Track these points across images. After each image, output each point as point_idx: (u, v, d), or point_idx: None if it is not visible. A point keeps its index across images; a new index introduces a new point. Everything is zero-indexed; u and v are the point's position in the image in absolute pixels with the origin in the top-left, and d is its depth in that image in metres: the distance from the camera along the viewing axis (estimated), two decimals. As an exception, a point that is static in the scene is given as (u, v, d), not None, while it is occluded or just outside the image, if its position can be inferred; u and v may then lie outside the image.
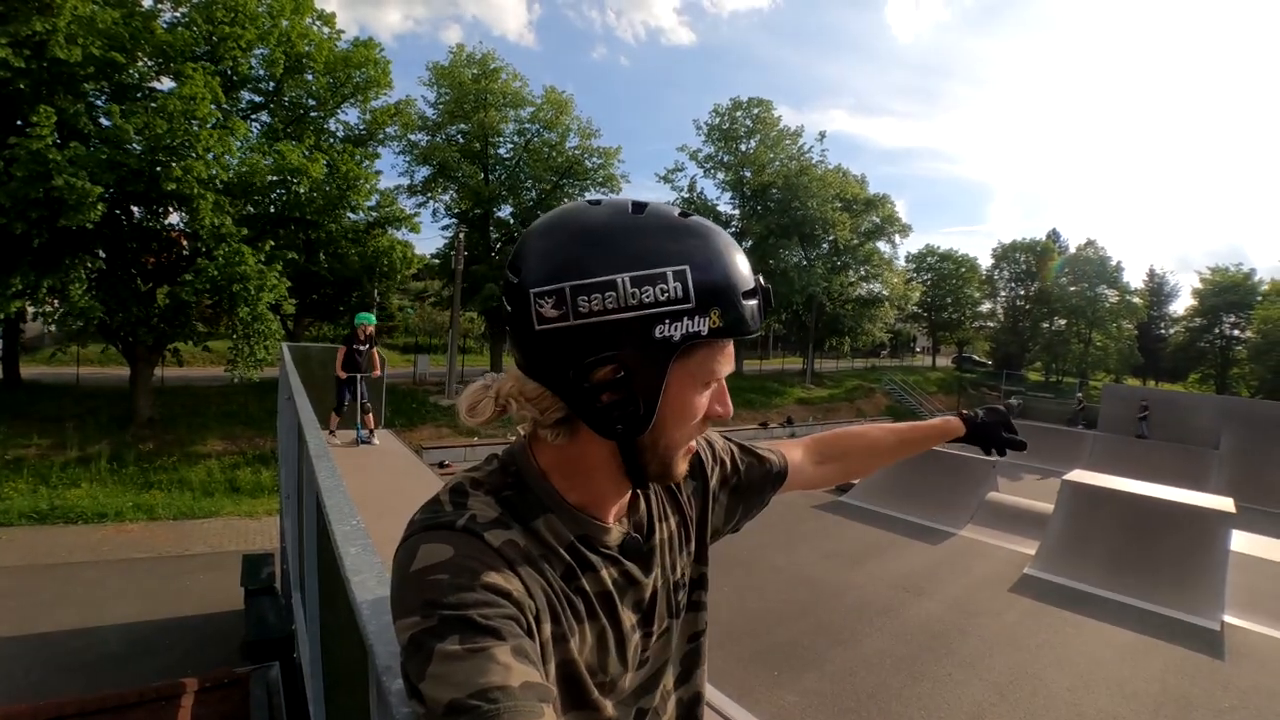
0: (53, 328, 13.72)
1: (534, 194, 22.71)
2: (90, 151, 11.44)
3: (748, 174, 30.28)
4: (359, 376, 6.86)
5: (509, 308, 0.61)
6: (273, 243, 14.31)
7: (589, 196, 0.83)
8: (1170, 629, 5.91)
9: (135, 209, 13.87)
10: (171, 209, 13.76)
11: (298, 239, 16.03)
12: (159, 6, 13.56)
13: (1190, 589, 6.35)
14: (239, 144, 13.78)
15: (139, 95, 13.10)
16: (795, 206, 28.53)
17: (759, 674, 4.90)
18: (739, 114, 30.05)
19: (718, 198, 31.28)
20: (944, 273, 42.33)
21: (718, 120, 30.31)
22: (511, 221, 22.72)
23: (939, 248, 43.35)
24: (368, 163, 16.53)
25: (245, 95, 15.67)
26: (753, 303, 0.61)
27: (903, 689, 4.78)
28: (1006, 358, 41.28)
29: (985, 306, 44.51)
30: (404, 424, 16.13)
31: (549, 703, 0.48)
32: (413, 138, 21.34)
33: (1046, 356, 41.11)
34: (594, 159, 22.97)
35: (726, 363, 0.64)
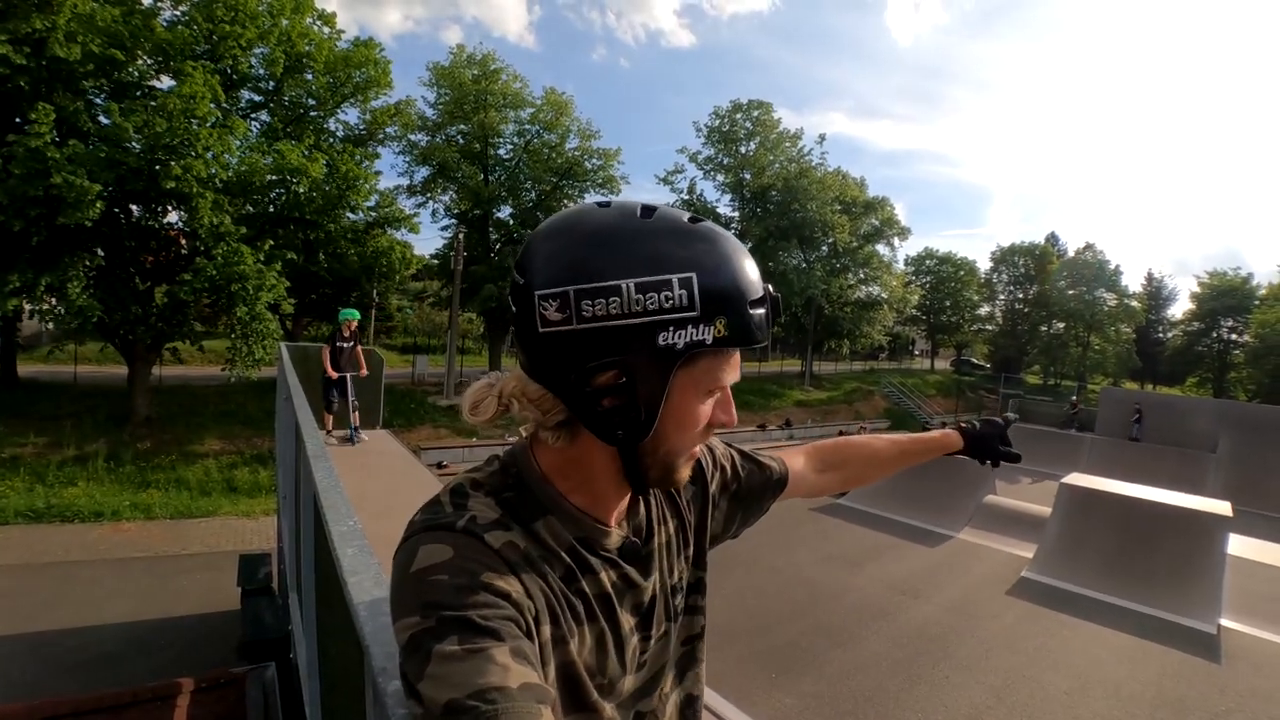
0: (50, 325, 13.69)
1: (534, 195, 22.71)
2: (89, 149, 11.43)
3: (747, 176, 30.32)
4: (348, 375, 6.86)
5: (514, 308, 0.61)
6: (272, 242, 14.30)
7: (597, 199, 0.82)
8: (1167, 632, 5.91)
9: (134, 207, 13.85)
10: (170, 208, 13.75)
11: (297, 239, 16.01)
12: (159, 4, 13.55)
13: (1187, 592, 6.36)
14: (238, 143, 13.76)
15: (138, 94, 13.09)
16: (795, 209, 28.56)
17: (757, 676, 4.89)
18: (739, 116, 30.11)
19: (717, 200, 31.38)
20: (943, 276, 42.43)
21: (717, 122, 30.36)
22: (511, 222, 22.71)
23: (938, 251, 43.55)
24: (367, 163, 16.53)
25: (245, 94, 15.66)
26: (760, 311, 0.60)
27: (900, 692, 4.77)
28: (1005, 361, 41.37)
29: (984, 310, 44.63)
30: (402, 424, 16.11)
31: (548, 704, 0.48)
32: (412, 138, 21.35)
33: (1045, 360, 41.24)
34: (594, 160, 22.98)
35: (732, 371, 0.63)
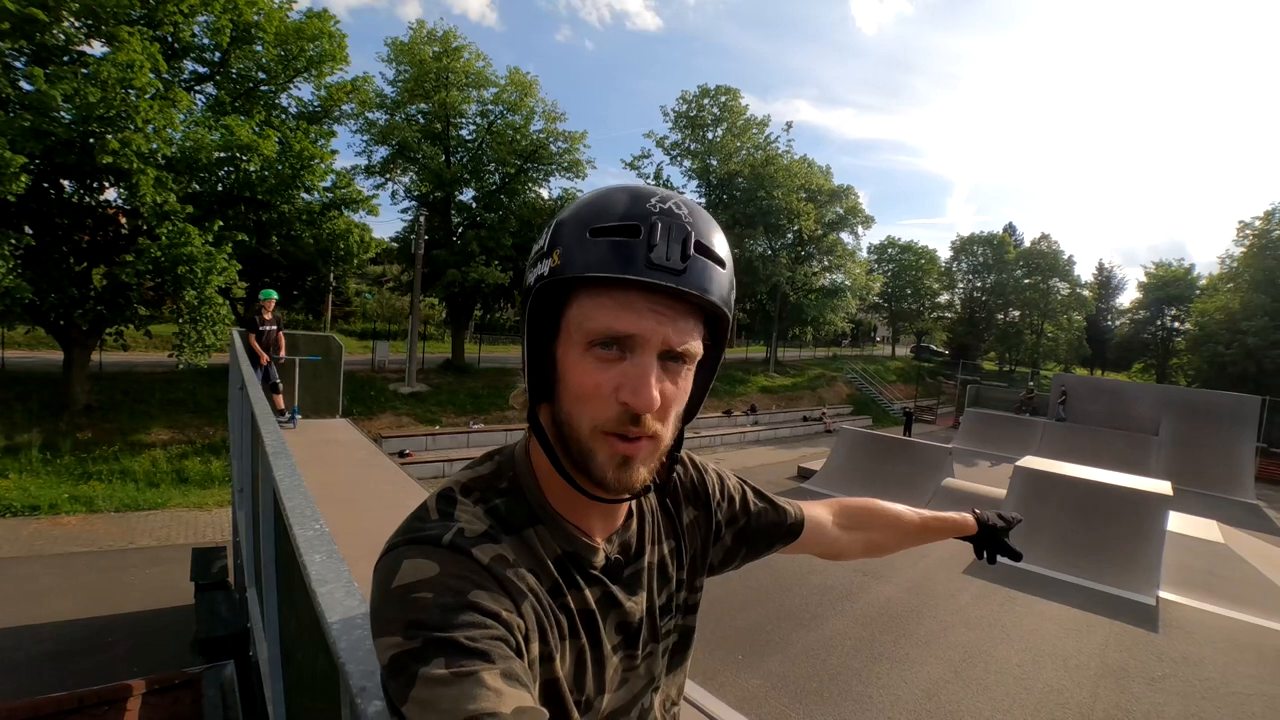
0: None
1: (497, 178, 22.21)
2: (10, 117, 10.62)
3: (714, 162, 30.30)
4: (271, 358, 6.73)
5: None
6: (221, 223, 13.62)
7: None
8: (1112, 605, 6.24)
9: (66, 183, 13.00)
10: (108, 184, 12.93)
11: (248, 220, 15.27)
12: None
13: (1130, 567, 6.72)
14: (182, 117, 13.01)
15: (66, 59, 12.20)
16: (761, 196, 28.70)
17: (723, 659, 4.97)
18: (706, 101, 30.00)
19: (684, 185, 31.25)
20: (904, 264, 43.43)
21: (685, 107, 30.20)
22: (474, 205, 22.18)
23: (900, 240, 44.46)
24: (323, 141, 15.83)
25: (189, 65, 14.76)
26: (607, 239, 0.54)
27: (863, 669, 4.92)
28: (963, 348, 42.73)
29: (944, 298, 45.90)
30: (362, 413, 15.72)
31: None
32: (371, 116, 20.56)
33: (1000, 347, 42.74)
34: (559, 143, 22.56)
35: (603, 316, 0.54)
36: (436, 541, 0.54)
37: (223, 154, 13.61)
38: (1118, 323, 47.22)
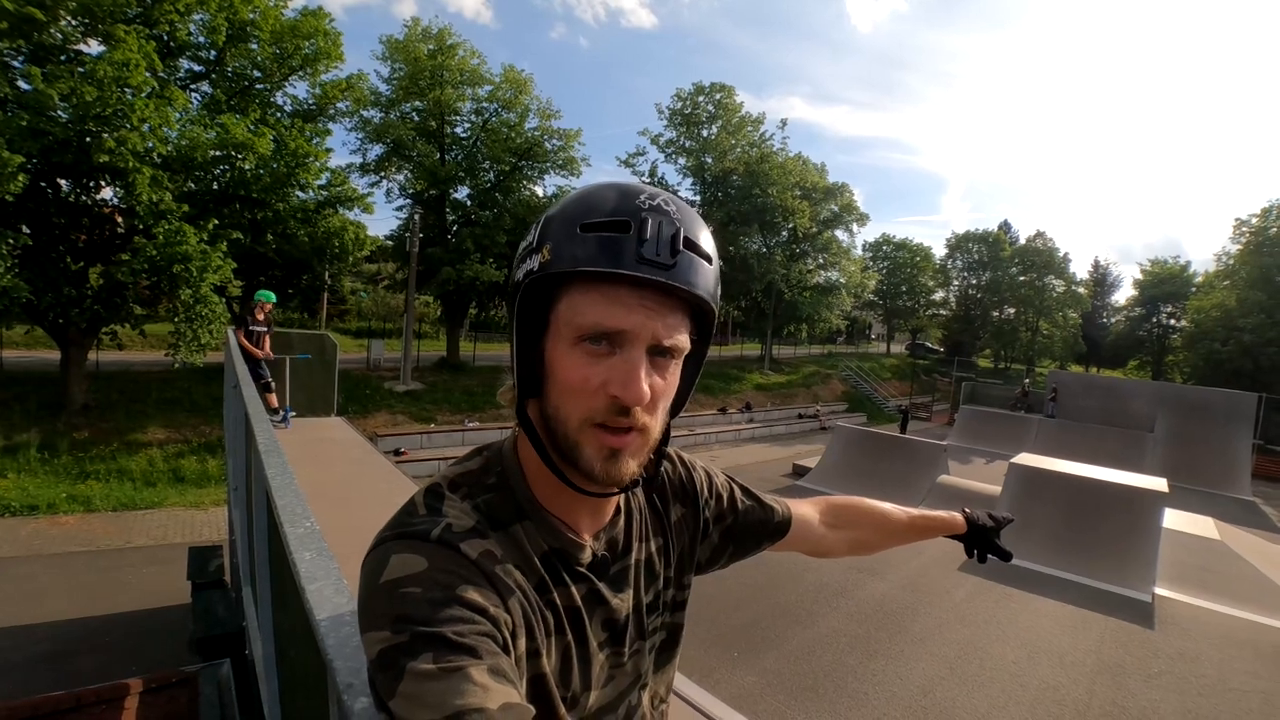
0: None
1: (492, 175, 22.16)
2: (8, 117, 10.58)
3: (709, 160, 30.26)
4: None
5: None
6: (216, 221, 13.59)
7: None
8: (1107, 602, 6.26)
9: (63, 182, 12.96)
10: (104, 183, 12.88)
11: (243, 218, 15.22)
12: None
13: (1126, 564, 6.74)
14: (178, 115, 12.96)
15: (63, 58, 12.16)
16: (756, 194, 28.68)
17: (719, 656, 4.98)
18: (701, 99, 29.94)
19: (679, 183, 31.23)
20: (899, 261, 43.50)
21: (679, 105, 30.15)
22: (469, 203, 22.14)
23: (895, 237, 44.53)
24: (318, 139, 15.77)
25: (184, 64, 14.69)
26: (597, 235, 0.54)
27: (858, 666, 4.93)
28: (958, 345, 42.81)
29: (939, 295, 45.99)
30: (357, 411, 15.70)
31: None
32: (365, 114, 20.50)
33: (996, 344, 42.82)
34: (554, 141, 22.51)
35: (592, 311, 0.55)
36: (425, 536, 0.55)
37: (218, 152, 13.57)
38: (1113, 320, 47.35)
